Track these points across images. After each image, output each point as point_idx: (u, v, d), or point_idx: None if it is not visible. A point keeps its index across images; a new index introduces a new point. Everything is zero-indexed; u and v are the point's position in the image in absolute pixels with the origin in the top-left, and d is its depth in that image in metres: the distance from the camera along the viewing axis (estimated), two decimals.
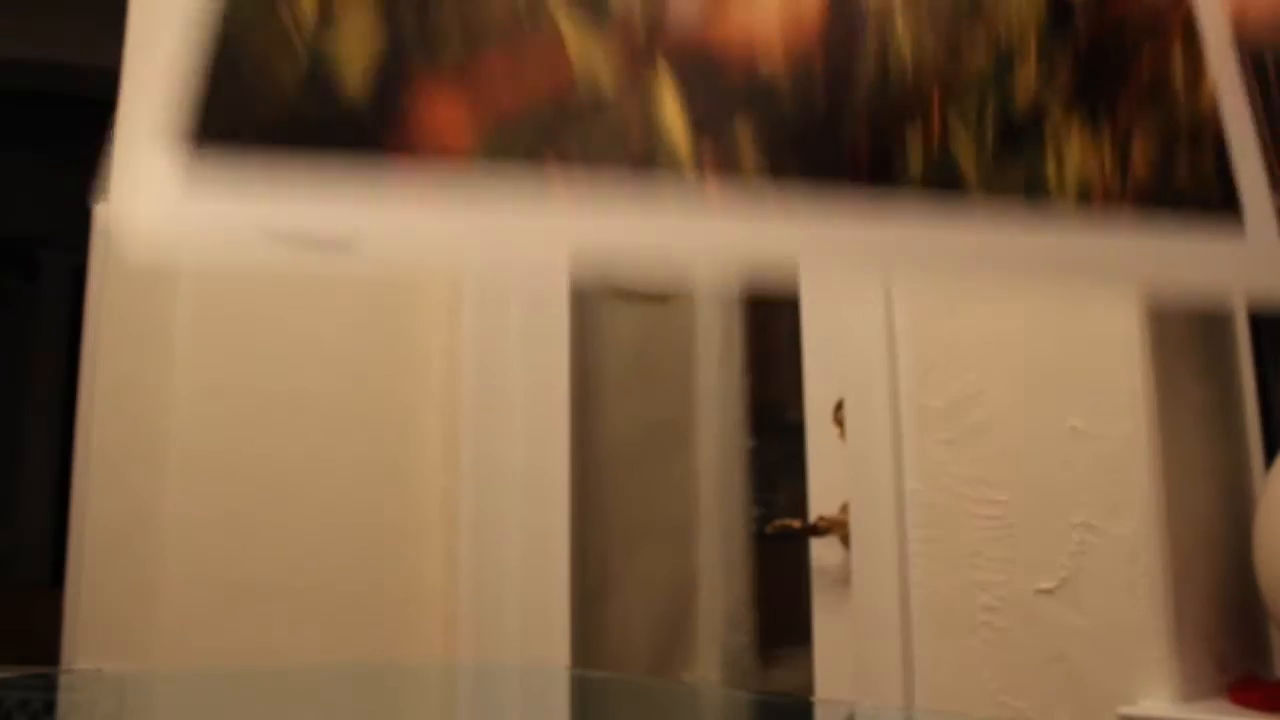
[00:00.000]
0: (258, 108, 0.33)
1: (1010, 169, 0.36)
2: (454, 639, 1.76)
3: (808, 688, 1.30)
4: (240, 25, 0.33)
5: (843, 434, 1.36)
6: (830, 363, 1.41)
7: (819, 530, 1.39)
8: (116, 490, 1.66)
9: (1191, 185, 0.36)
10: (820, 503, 1.41)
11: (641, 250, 0.34)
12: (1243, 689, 1.05)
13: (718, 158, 0.34)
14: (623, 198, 0.33)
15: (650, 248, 0.34)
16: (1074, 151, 0.36)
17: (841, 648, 1.31)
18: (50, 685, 1.19)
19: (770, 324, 1.75)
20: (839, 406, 1.38)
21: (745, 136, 0.34)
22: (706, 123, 0.34)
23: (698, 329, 1.83)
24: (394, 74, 0.34)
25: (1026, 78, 0.37)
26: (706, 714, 1.17)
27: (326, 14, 0.34)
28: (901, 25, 0.37)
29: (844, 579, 1.34)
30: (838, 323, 1.38)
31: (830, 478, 1.40)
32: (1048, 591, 1.10)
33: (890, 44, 0.36)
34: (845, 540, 1.35)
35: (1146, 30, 0.38)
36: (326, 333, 1.78)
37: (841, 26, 0.36)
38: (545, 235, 0.34)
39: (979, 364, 1.18)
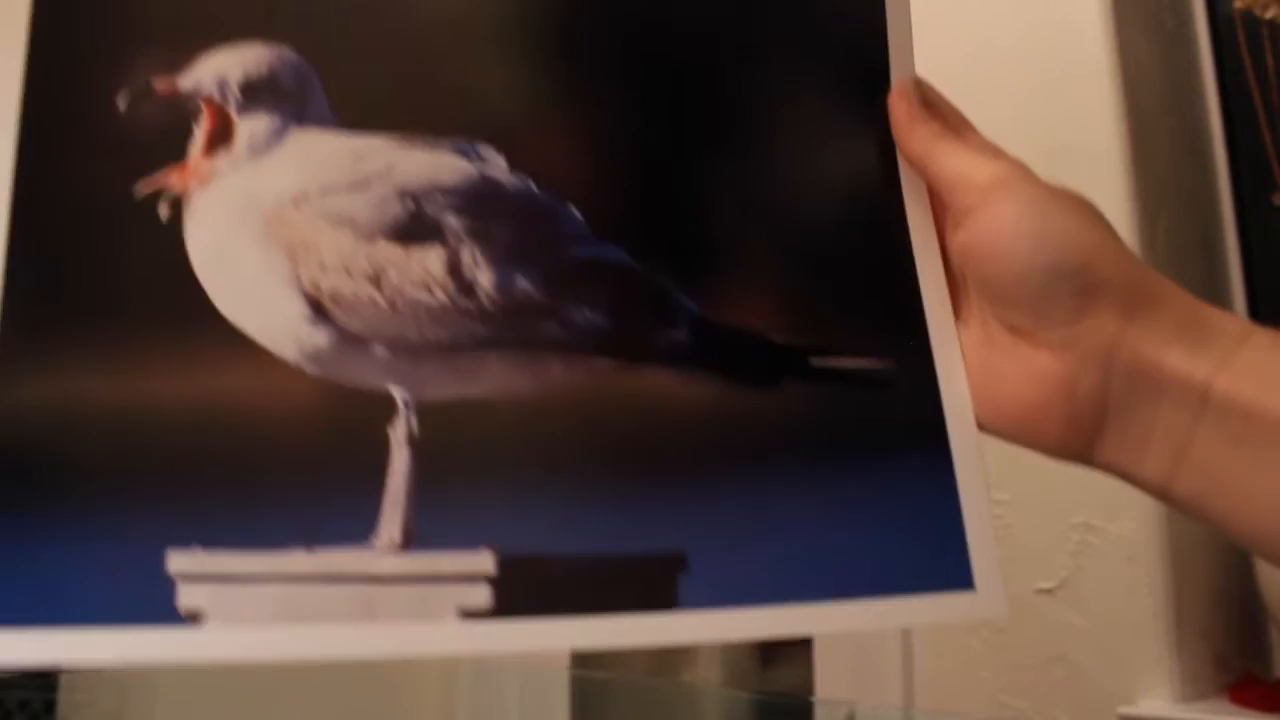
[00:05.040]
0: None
1: None
2: None
3: (808, 688, 1.30)
4: None
5: None
6: None
7: None
8: None
9: None
10: None
11: None
12: (1243, 689, 1.05)
13: None
14: None
15: None
16: None
17: (841, 648, 1.31)
18: (50, 685, 1.19)
19: None
20: None
21: None
22: None
23: None
24: None
25: None
26: (706, 714, 1.17)
27: None
28: None
29: None
30: None
31: None
32: (1048, 591, 1.10)
33: None
34: None
35: None
36: None
37: None
38: None
39: None
